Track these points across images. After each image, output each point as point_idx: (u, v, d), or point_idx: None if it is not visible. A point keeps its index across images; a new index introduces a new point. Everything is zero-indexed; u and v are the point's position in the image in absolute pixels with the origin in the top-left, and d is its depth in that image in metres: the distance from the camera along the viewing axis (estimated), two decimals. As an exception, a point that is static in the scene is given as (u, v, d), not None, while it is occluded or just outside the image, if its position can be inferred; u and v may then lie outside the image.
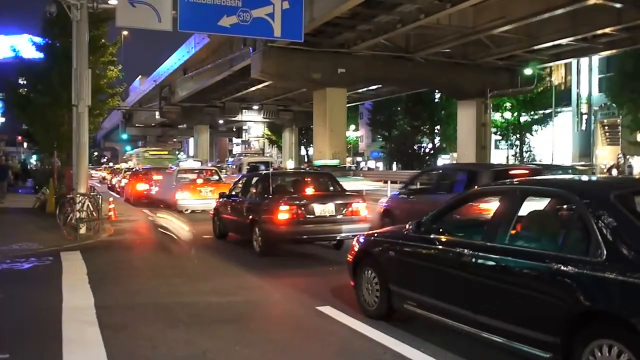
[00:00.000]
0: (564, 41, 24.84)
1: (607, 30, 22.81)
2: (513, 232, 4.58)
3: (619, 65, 30.62)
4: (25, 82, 19.82)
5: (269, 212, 9.60)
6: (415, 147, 47.42)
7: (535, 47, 26.20)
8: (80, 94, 12.82)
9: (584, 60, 36.94)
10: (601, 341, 3.58)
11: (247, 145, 72.22)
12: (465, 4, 19.72)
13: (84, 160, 13.36)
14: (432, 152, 46.88)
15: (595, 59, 36.10)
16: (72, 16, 12.97)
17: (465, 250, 4.70)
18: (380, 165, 56.18)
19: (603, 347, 3.56)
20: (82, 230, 12.41)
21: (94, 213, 12.85)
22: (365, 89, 40.20)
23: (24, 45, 20.00)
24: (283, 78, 29.19)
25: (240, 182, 12.33)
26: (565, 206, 4.57)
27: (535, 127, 39.27)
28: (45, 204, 17.57)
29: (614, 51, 27.27)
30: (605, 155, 37.75)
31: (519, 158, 40.15)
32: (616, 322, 3.51)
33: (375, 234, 6.33)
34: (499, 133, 40.07)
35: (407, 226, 5.54)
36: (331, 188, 10.96)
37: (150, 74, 56.68)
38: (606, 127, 38.16)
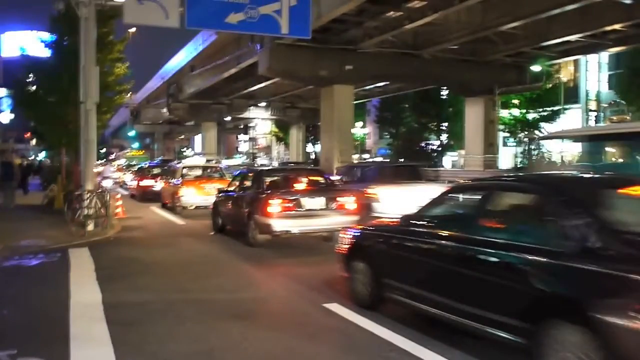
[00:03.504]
0: (572, 38, 24.65)
1: (616, 26, 22.62)
2: (488, 224, 4.93)
3: (628, 61, 30.37)
4: (33, 80, 19.87)
5: (263, 206, 10.18)
6: (422, 144, 47.25)
7: (544, 44, 26.00)
8: (88, 91, 12.86)
9: (593, 57, 36.67)
10: (561, 323, 3.86)
11: (254, 142, 72.14)
12: (473, 0, 19.62)
13: (91, 157, 13.40)
14: (439, 149, 46.73)
15: (604, 55, 35.81)
16: (79, 13, 13.00)
17: (445, 242, 5.09)
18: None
19: (563, 329, 3.84)
20: (90, 227, 12.46)
21: (101, 210, 12.90)
22: (372, 86, 40.08)
23: (32, 43, 20.08)
24: (290, 75, 29.13)
25: (238, 178, 12.94)
26: (536, 200, 4.78)
27: (543, 124, 39.03)
28: (53, 200, 17.65)
29: (623, 48, 27.02)
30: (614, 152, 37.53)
31: (527, 155, 39.91)
32: (574, 306, 3.79)
33: (365, 228, 6.69)
34: (506, 130, 39.87)
35: (397, 220, 5.93)
36: (322, 183, 11.56)
37: (158, 71, 56.79)
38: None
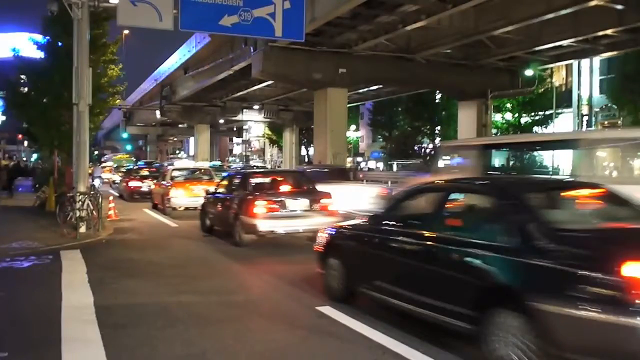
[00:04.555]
0: (565, 42, 24.79)
1: (608, 31, 22.76)
2: (444, 223, 5.44)
3: (620, 66, 30.59)
4: (25, 81, 19.78)
5: (248, 207, 10.63)
6: (415, 148, 47.39)
7: (537, 49, 26.14)
8: (81, 93, 12.81)
9: (585, 62, 36.89)
10: (504, 311, 4.29)
11: (247, 145, 72.14)
12: (466, 4, 19.68)
13: (84, 159, 13.34)
14: (432, 152, 46.91)
15: (596, 60, 36.05)
16: (73, 15, 12.96)
17: (405, 239, 5.57)
18: (381, 165, 56.16)
19: (505, 316, 4.27)
20: (82, 229, 12.41)
21: (94, 212, 12.85)
22: (366, 89, 40.12)
23: (24, 44, 19.99)
24: (284, 78, 29.14)
25: (225, 180, 13.39)
26: (486, 201, 5.29)
27: (535, 128, 39.21)
28: (45, 202, 17.56)
29: (615, 53, 27.21)
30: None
31: (519, 159, 40.10)
32: (514, 295, 4.23)
33: (339, 227, 7.15)
34: (499, 134, 40.04)
35: (364, 219, 6.47)
36: (305, 186, 11.93)
37: (151, 73, 56.66)
38: (607, 129, 38.09)
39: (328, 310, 6.24)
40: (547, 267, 4.09)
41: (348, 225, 7.02)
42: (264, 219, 10.45)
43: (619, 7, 20.13)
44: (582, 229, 4.55)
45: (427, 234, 5.34)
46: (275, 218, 10.55)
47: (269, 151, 75.45)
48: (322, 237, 7.06)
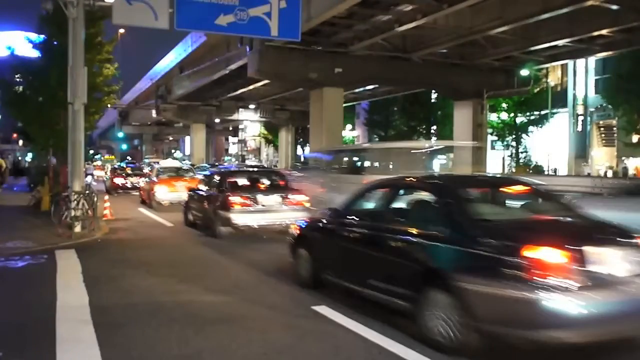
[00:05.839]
0: (560, 42, 24.86)
1: (603, 31, 22.84)
2: (391, 215, 6.14)
3: (615, 66, 30.70)
4: (20, 80, 19.70)
5: (225, 203, 11.60)
6: (411, 147, 47.41)
7: (532, 49, 26.22)
8: (76, 92, 12.77)
9: (580, 62, 37.01)
10: (435, 290, 4.99)
11: (243, 144, 72.01)
12: (462, 4, 19.72)
13: (79, 159, 13.29)
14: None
15: (592, 60, 36.18)
16: (68, 13, 12.91)
17: (357, 229, 6.43)
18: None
19: (435, 295, 4.97)
20: (77, 229, 12.37)
21: (89, 211, 12.80)
22: (362, 89, 40.16)
23: (19, 43, 19.91)
24: (280, 77, 29.12)
25: (206, 179, 14.54)
26: (424, 196, 6.04)
27: (531, 128, 39.30)
28: (40, 202, 17.49)
29: (610, 53, 27.32)
30: (601, 156, 37.87)
31: (515, 159, 40.21)
32: (442, 277, 4.91)
33: (307, 220, 8.05)
34: (495, 134, 40.11)
35: (328, 213, 7.23)
36: (278, 183, 13.03)
37: (147, 72, 56.54)
38: (602, 129, 38.26)
39: (324, 309, 6.24)
40: (469, 252, 4.81)
41: (314, 219, 7.86)
42: (239, 213, 11.38)
43: (614, 7, 20.21)
44: (500, 220, 5.35)
45: (375, 225, 6.14)
46: (249, 213, 11.46)
47: (265, 151, 75.39)
48: (293, 230, 7.89)
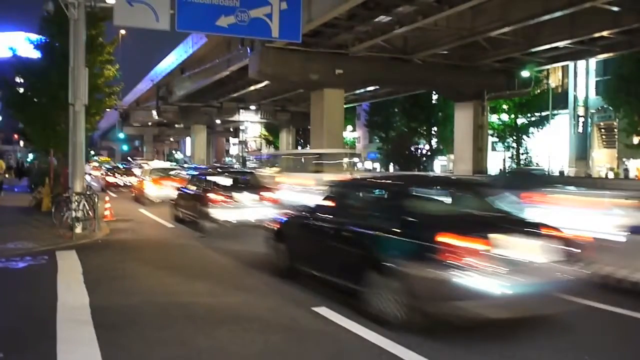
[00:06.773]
0: (561, 44, 24.86)
1: (604, 33, 22.84)
2: (350, 211, 7.16)
3: (616, 68, 30.66)
4: (22, 81, 19.69)
5: (206, 200, 12.96)
6: (412, 149, 47.39)
7: (533, 50, 26.20)
8: (77, 93, 12.78)
9: (581, 63, 37.01)
10: (378, 274, 5.79)
11: (244, 145, 71.98)
12: (463, 6, 19.72)
13: (80, 160, 13.29)
14: (429, 153, 46.90)
15: (592, 61, 36.15)
16: (69, 15, 12.93)
17: (320, 224, 7.32)
18: (377, 166, 56.18)
19: (379, 278, 5.79)
20: (78, 230, 12.38)
21: (90, 212, 12.80)
22: (362, 90, 40.15)
23: (21, 44, 19.91)
24: (280, 79, 29.12)
25: (192, 179, 15.84)
26: (376, 194, 7.27)
27: (531, 129, 39.28)
28: (41, 203, 17.50)
29: (611, 54, 27.31)
30: (602, 157, 37.86)
31: (516, 160, 40.19)
32: (384, 262, 5.73)
33: (283, 215, 8.76)
34: (495, 135, 40.11)
35: (301, 209, 8.21)
36: (255, 183, 14.64)
37: (148, 73, 56.55)
38: (603, 130, 38.25)
39: (324, 310, 6.25)
40: (403, 240, 5.74)
41: (290, 214, 8.59)
42: (219, 209, 12.67)
43: (615, 8, 20.21)
44: (431, 214, 6.32)
45: (335, 219, 7.11)
46: (228, 209, 12.72)
47: (266, 152, 75.36)
48: (270, 225, 8.80)
